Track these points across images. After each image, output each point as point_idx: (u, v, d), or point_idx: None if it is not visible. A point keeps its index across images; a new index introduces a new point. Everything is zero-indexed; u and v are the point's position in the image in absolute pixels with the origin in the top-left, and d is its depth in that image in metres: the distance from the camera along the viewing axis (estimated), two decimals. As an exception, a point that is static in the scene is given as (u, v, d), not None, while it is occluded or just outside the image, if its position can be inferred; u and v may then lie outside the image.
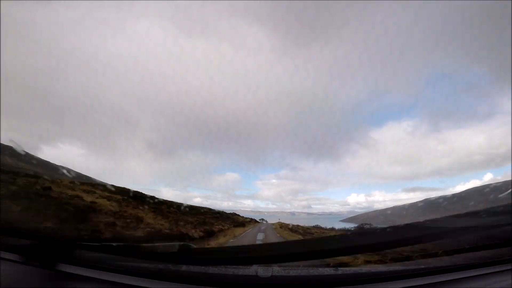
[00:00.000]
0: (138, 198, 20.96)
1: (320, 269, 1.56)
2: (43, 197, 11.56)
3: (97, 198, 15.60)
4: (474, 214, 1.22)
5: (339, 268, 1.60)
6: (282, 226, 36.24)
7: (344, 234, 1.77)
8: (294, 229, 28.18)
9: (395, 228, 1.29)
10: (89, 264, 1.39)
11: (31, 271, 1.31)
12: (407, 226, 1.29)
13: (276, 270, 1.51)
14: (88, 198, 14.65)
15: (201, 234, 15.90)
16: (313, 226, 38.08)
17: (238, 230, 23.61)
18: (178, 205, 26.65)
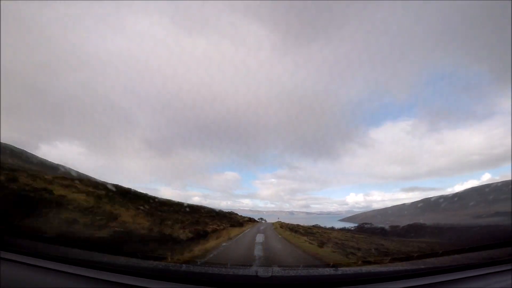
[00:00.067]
0: (126, 195, 19.77)
1: (320, 269, 1.56)
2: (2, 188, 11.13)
3: (73, 192, 14.51)
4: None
5: (339, 268, 1.61)
6: (283, 226, 34.72)
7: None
8: (295, 229, 27.06)
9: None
10: (93, 265, 1.39)
11: (33, 272, 1.31)
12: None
13: (276, 270, 1.51)
14: (61, 192, 13.54)
15: (190, 235, 14.18)
16: (313, 226, 37.94)
17: (235, 231, 21.61)
18: (171, 204, 25.35)
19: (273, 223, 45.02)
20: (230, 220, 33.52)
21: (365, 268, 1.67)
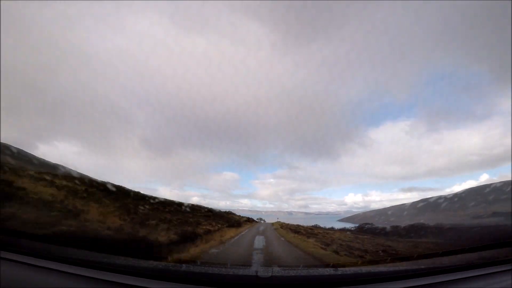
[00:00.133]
0: (112, 193, 18.38)
1: (320, 269, 1.57)
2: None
3: (41, 186, 13.16)
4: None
5: (339, 268, 1.61)
6: (283, 226, 33.54)
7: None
8: (296, 229, 26.27)
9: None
10: (93, 265, 1.39)
11: (33, 272, 1.31)
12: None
13: (276, 270, 1.52)
14: (25, 184, 12.29)
15: (174, 238, 12.33)
16: (313, 226, 37.86)
17: (230, 232, 19.67)
18: (165, 203, 23.50)
19: (272, 223, 44.30)
20: (227, 220, 31.47)
21: (365, 268, 1.67)
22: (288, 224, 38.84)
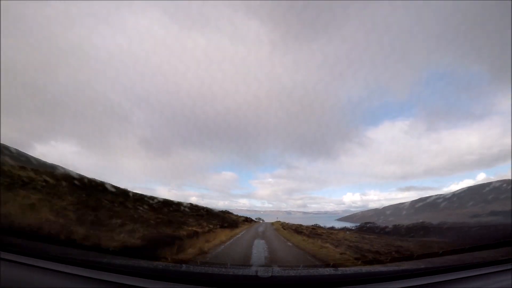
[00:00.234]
0: (85, 188, 16.08)
1: (320, 269, 1.57)
2: None
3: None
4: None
5: (339, 268, 1.61)
6: (285, 226, 31.34)
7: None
8: (298, 229, 24.75)
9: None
10: (94, 265, 1.39)
11: (33, 272, 1.31)
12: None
13: (276, 270, 1.52)
14: None
15: (136, 243, 9.77)
16: (313, 226, 37.77)
17: (221, 235, 15.79)
18: (138, 198, 19.99)
19: (272, 223, 43.76)
20: (223, 220, 28.51)
21: (365, 268, 1.68)
22: (288, 223, 38.42)
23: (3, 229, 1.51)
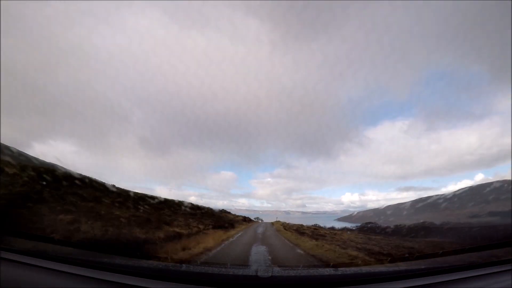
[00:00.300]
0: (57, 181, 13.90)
1: (320, 269, 1.57)
2: None
3: None
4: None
5: (339, 268, 1.61)
6: (286, 226, 29.49)
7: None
8: (300, 230, 23.46)
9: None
10: (94, 265, 1.39)
11: (33, 272, 1.31)
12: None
13: (276, 270, 1.51)
14: None
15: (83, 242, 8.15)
16: (314, 226, 37.65)
17: (208, 239, 12.33)
18: (119, 193, 16.94)
19: (272, 223, 43.23)
20: (218, 219, 25.82)
21: (365, 268, 1.67)
22: (289, 224, 38.02)
23: (3, 229, 1.51)
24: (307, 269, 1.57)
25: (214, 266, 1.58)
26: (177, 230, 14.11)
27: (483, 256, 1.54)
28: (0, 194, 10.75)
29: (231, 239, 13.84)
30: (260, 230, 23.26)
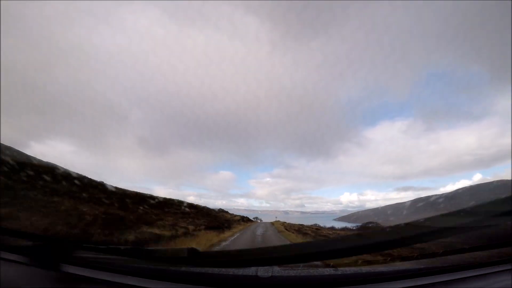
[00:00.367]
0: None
1: (320, 269, 1.57)
2: None
3: None
4: (474, 213, 1.23)
5: (339, 268, 1.61)
6: (287, 227, 28.22)
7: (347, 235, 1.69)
8: (302, 230, 23.08)
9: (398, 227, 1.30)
10: (93, 265, 1.39)
11: (33, 272, 1.31)
12: (408, 225, 1.30)
13: (276, 270, 1.51)
14: None
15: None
16: (314, 226, 37.63)
17: (193, 244, 6.05)
18: (85, 186, 14.39)
19: (272, 223, 42.29)
20: (213, 219, 23.72)
21: (365, 268, 1.67)
22: (290, 223, 37.69)
23: (3, 229, 1.52)
24: (307, 269, 1.57)
25: (214, 266, 1.58)
26: (157, 231, 12.38)
27: (483, 256, 1.54)
28: None
29: (223, 243, 12.40)
30: (259, 231, 21.96)
